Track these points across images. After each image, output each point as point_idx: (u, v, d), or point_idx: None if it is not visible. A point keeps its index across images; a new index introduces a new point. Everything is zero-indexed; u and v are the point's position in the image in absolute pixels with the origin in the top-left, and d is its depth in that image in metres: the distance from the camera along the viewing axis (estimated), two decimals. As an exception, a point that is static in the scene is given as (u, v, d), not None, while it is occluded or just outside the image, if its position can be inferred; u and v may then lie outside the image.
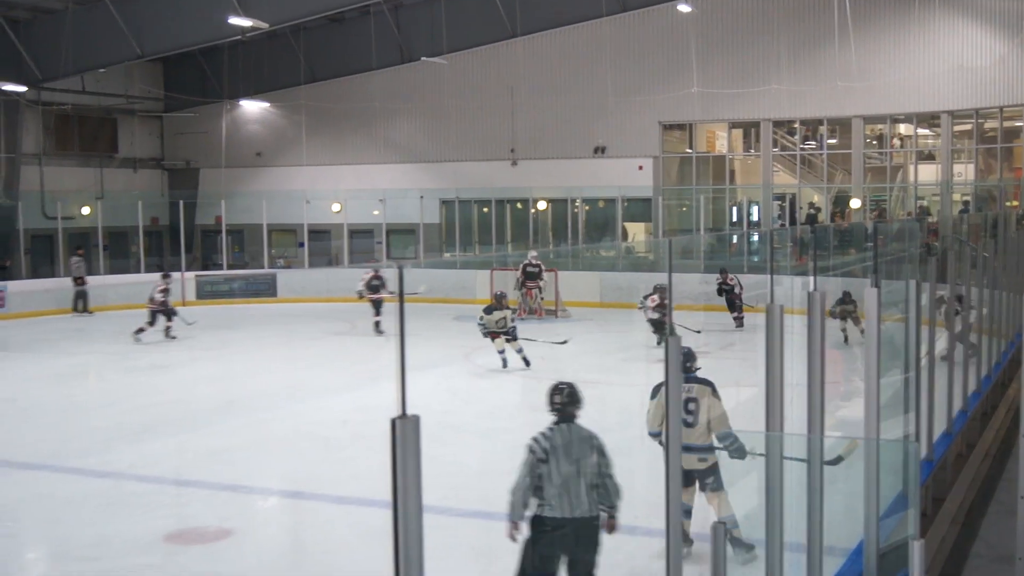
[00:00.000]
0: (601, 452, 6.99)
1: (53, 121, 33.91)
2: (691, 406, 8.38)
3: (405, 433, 2.68)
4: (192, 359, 20.72)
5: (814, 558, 5.51)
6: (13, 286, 28.49)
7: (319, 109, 35.23)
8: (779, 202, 32.45)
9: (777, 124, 31.63)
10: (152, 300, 22.18)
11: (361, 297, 22.62)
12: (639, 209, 32.78)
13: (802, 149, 32.63)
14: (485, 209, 34.04)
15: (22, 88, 30.01)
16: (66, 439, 13.34)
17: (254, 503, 10.74)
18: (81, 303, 27.60)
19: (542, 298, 25.31)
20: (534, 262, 25.49)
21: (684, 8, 29.49)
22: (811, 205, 32.15)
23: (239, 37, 29.44)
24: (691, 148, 33.08)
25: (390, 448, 2.63)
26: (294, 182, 34.98)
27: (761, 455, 5.44)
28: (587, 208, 33.54)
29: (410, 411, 2.74)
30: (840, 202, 31.88)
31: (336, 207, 33.61)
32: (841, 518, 6.22)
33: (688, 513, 8.22)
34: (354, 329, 24.28)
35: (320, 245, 33.91)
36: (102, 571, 8.51)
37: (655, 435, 8.63)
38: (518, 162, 32.99)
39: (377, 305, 22.34)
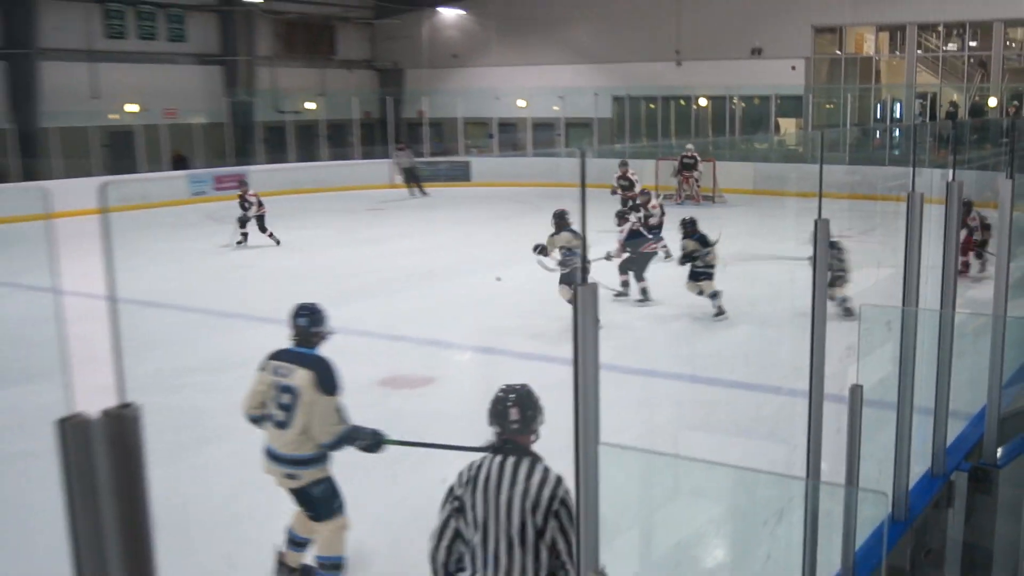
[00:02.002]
0: (558, 515, 3.80)
1: (282, 27, 34.64)
2: (285, 398, 5.52)
3: (585, 298, 2.71)
4: (400, 234, 21.19)
5: (940, 420, 5.43)
6: (253, 169, 29.44)
7: (507, 15, 35.03)
8: (921, 100, 31.04)
9: (922, 27, 30.07)
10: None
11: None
12: (791, 106, 31.83)
13: (944, 51, 30.98)
14: (652, 105, 33.53)
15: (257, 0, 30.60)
16: (293, 299, 13.84)
17: (452, 356, 11.04)
18: (416, 186, 28.53)
19: (699, 186, 24.95)
20: (690, 153, 25.09)
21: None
22: (951, 103, 30.62)
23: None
24: (840, 50, 31.76)
25: (573, 311, 2.67)
26: (485, 80, 35.02)
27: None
28: (743, 105, 32.68)
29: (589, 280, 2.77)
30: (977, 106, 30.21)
31: (522, 103, 33.58)
32: (966, 387, 6.08)
33: (297, 544, 5.84)
34: (537, 208, 24.42)
35: (508, 136, 33.99)
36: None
37: None
38: (682, 63, 32.24)
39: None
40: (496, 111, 33.27)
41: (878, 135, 31.00)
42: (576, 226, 11.60)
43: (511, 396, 4.10)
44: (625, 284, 13.46)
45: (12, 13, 26.67)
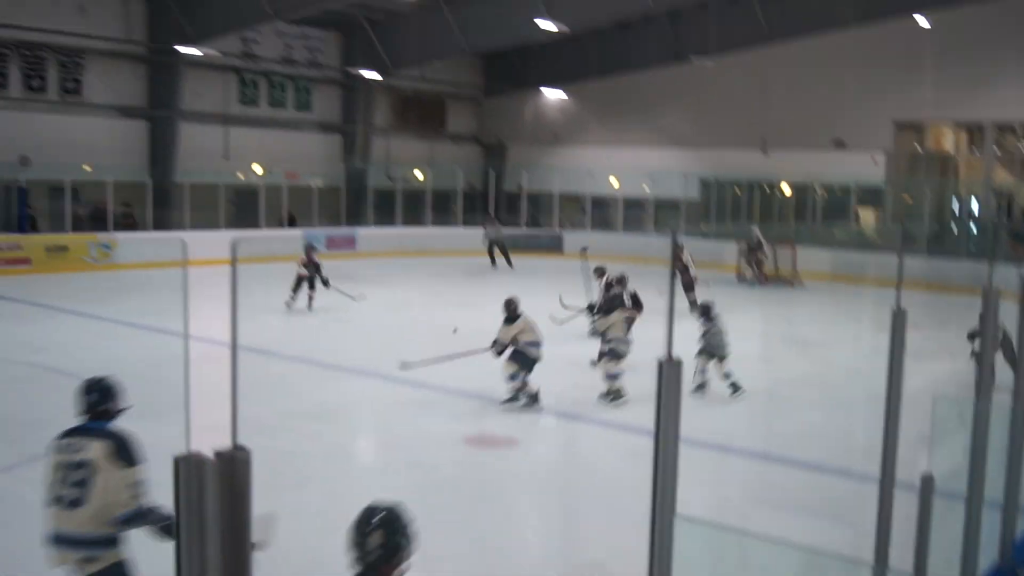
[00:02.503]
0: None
1: (398, 102, 35.44)
2: (79, 474, 4.78)
3: (669, 374, 2.69)
4: (494, 299, 21.27)
5: (1009, 513, 5.23)
6: (362, 231, 30.12)
7: (605, 98, 35.34)
8: (997, 198, 30.36)
9: (1000, 127, 29.51)
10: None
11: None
12: (871, 197, 31.37)
13: (1022, 150, 30.33)
14: (738, 190, 33.36)
15: (376, 75, 31.37)
16: (390, 353, 13.99)
17: (537, 419, 10.97)
18: (503, 256, 28.14)
19: (763, 268, 24.76)
20: (757, 237, 25.03)
21: (923, 23, 27.81)
22: (1028, 201, 29.92)
23: (545, 38, 29.79)
24: (921, 145, 31.30)
25: (656, 384, 2.64)
26: (581, 159, 35.27)
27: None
28: (824, 194, 32.30)
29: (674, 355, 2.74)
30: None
31: (614, 181, 33.73)
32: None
33: None
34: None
35: (599, 212, 34.06)
36: (415, 460, 8.92)
37: None
38: (768, 151, 32.08)
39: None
40: (590, 188, 33.44)
41: (955, 230, 30.37)
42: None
43: (374, 519, 3.34)
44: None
45: (159, 77, 27.80)
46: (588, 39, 33.30)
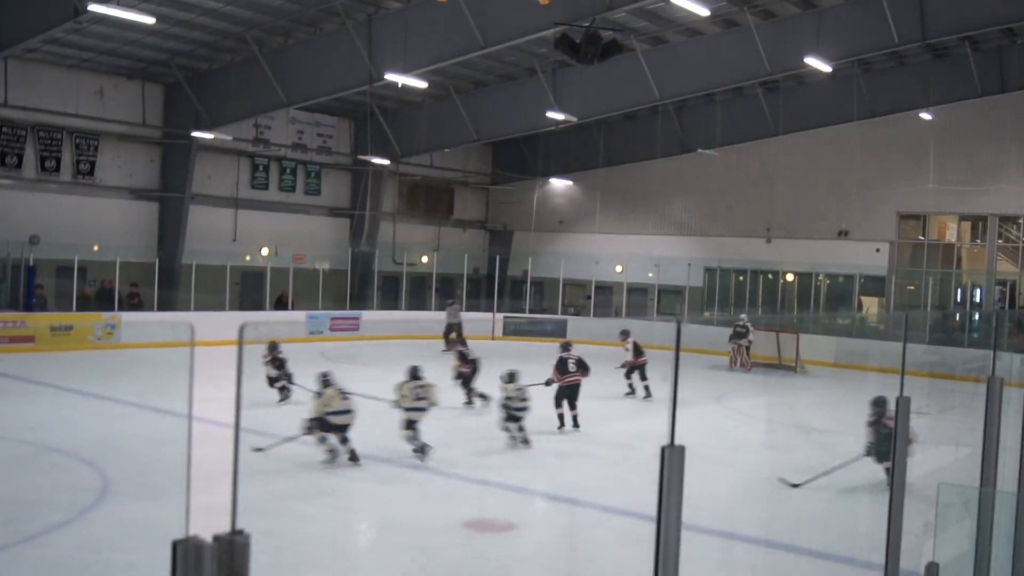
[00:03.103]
0: None
1: (406, 188, 35.78)
2: None
3: (672, 459, 2.67)
4: (493, 384, 21.21)
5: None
6: (367, 315, 30.14)
7: (611, 188, 35.70)
8: (1000, 287, 30.41)
9: (1003, 219, 29.69)
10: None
11: None
12: (874, 286, 31.46)
13: (1025, 242, 30.51)
14: (741, 278, 33.47)
15: (386, 161, 31.73)
16: (385, 438, 13.84)
17: (536, 503, 10.86)
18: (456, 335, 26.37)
19: (749, 354, 24.69)
20: (743, 323, 25.06)
21: (926, 116, 28.21)
22: (1031, 292, 29.95)
23: (553, 128, 30.19)
24: (924, 236, 31.45)
25: (659, 470, 2.62)
26: (586, 246, 35.50)
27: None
28: (828, 282, 32.40)
29: (676, 442, 2.73)
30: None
31: (619, 268, 33.87)
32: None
33: None
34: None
35: (603, 298, 34.10)
36: (417, 545, 8.80)
37: None
38: (772, 240, 32.28)
39: None
40: (594, 274, 33.56)
41: (958, 318, 30.36)
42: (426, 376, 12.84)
43: None
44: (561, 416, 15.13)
45: (171, 160, 28.17)
46: (595, 129, 33.81)
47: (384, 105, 31.22)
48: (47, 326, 23.33)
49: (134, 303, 26.13)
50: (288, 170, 31.91)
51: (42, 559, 7.93)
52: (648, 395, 18.70)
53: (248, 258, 29.80)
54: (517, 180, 37.36)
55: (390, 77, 22.75)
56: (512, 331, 31.14)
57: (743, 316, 26.15)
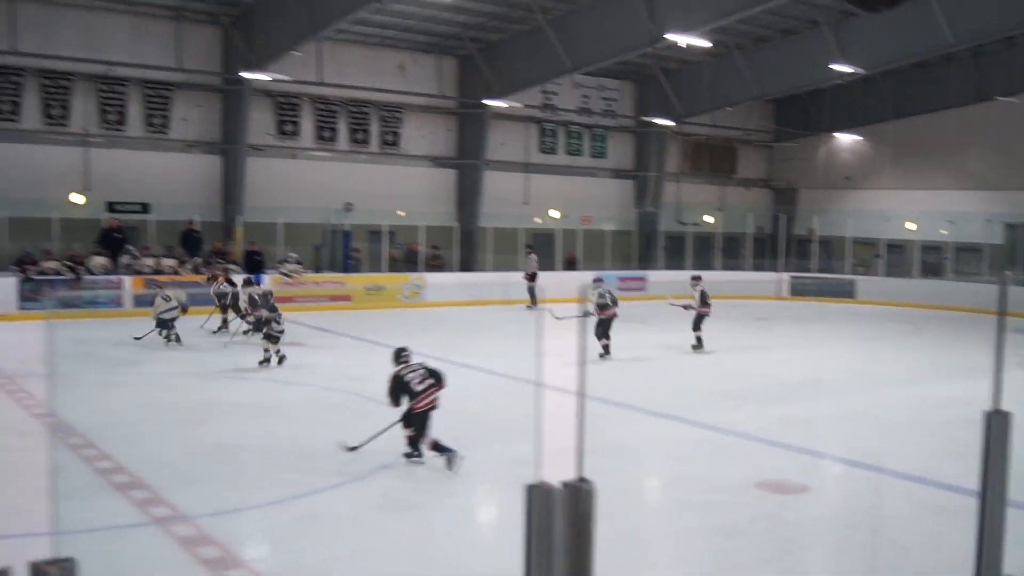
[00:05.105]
0: None
1: (689, 148, 35.51)
2: None
3: (997, 426, 2.62)
4: (780, 344, 20.86)
5: None
6: (653, 275, 30.29)
7: (901, 141, 33.71)
8: None
9: None
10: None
11: None
12: None
13: None
14: (1047, 233, 30.80)
15: (669, 122, 31.61)
16: (678, 396, 14.00)
17: (830, 467, 10.60)
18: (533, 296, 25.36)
19: None
20: None
21: None
22: None
23: (838, 80, 28.89)
24: None
25: (982, 437, 2.56)
26: (875, 202, 33.83)
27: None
28: None
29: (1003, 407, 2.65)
30: None
31: (911, 225, 32.08)
32: None
33: None
34: (917, 330, 23.11)
35: (894, 257, 32.46)
36: (704, 502, 8.83)
37: None
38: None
39: None
40: (884, 232, 31.98)
41: None
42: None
43: None
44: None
45: (467, 128, 29.52)
46: (883, 80, 32.00)
47: (665, 66, 31.05)
48: (362, 287, 25.19)
49: (436, 264, 27.64)
50: (575, 134, 32.51)
51: (365, 497, 8.73)
52: (699, 345, 18.26)
53: (538, 220, 30.68)
54: (801, 136, 36.14)
55: (670, 37, 22.65)
56: (799, 291, 30.42)
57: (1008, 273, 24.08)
